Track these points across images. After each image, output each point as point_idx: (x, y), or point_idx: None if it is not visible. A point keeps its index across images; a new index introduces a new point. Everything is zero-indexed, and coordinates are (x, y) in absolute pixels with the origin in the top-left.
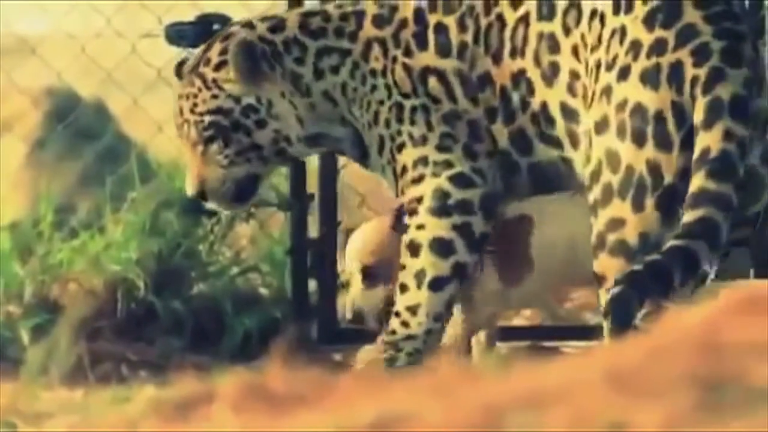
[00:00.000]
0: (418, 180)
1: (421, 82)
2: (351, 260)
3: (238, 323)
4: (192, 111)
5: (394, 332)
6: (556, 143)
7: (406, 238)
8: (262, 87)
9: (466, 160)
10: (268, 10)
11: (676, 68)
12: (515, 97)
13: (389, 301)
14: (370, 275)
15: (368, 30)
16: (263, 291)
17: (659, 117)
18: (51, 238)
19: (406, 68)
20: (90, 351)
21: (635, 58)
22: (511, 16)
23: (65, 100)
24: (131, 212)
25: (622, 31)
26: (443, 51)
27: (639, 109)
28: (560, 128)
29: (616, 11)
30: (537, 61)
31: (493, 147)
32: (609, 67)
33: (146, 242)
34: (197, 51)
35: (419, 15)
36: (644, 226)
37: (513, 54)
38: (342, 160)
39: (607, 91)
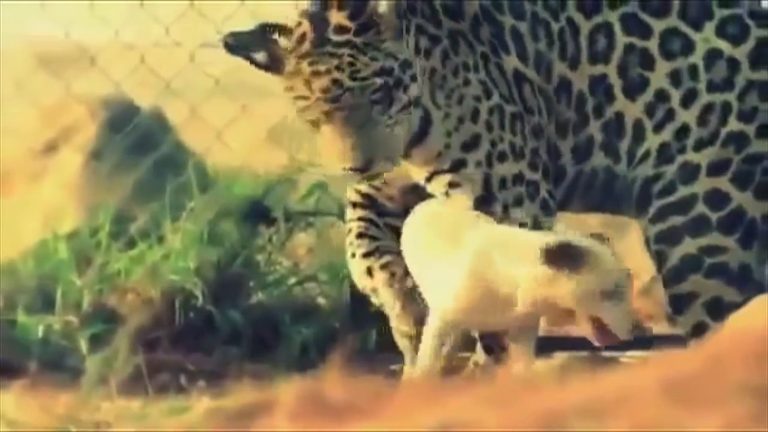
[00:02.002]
0: (518, 202)
1: (516, 86)
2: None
3: (295, 333)
4: (354, 78)
5: None
6: (615, 156)
7: None
8: (402, 42)
9: (545, 182)
10: None
11: None
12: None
13: None
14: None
15: (447, 21)
16: (321, 301)
17: None
18: (109, 248)
19: (500, 68)
20: (148, 361)
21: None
22: (584, 23)
23: (123, 109)
24: (189, 221)
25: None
26: (523, 58)
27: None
28: (625, 143)
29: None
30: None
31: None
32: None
33: (204, 251)
34: (301, 26)
35: (488, 14)
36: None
37: (593, 59)
38: None
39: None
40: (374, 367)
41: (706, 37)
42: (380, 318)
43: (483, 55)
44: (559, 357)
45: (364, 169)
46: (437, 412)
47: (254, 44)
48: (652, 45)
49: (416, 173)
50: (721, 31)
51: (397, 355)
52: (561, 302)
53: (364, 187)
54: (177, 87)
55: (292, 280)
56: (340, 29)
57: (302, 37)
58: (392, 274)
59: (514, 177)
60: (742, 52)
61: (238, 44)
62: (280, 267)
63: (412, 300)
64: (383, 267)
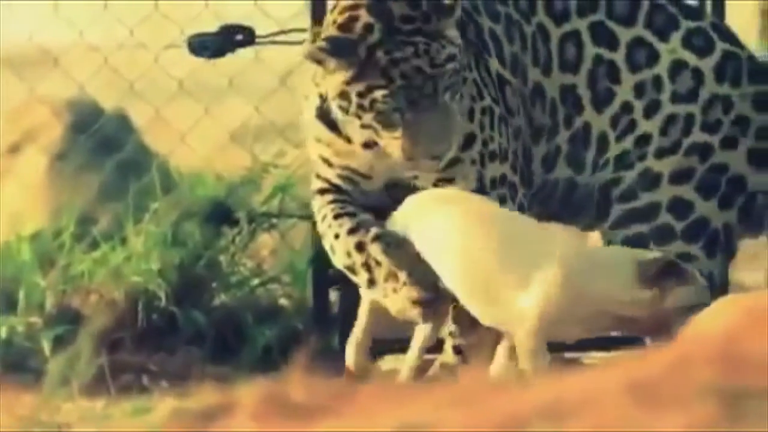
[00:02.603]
0: (502, 204)
1: (500, 90)
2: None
3: (258, 334)
4: (433, 65)
5: None
6: (578, 167)
7: None
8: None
9: (522, 186)
10: (289, 21)
11: None
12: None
13: None
14: None
15: (441, 20)
16: (284, 302)
17: None
18: (72, 249)
19: (487, 69)
20: (111, 362)
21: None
22: (553, 34)
23: (87, 111)
24: (152, 223)
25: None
26: (501, 60)
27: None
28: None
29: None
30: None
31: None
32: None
33: (167, 253)
34: (360, 18)
35: (470, 15)
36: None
37: (563, 68)
38: None
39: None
40: (337, 367)
41: (672, 48)
42: (343, 319)
43: (474, 55)
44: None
45: (441, 157)
46: (400, 413)
47: (218, 46)
48: (619, 57)
49: (406, 171)
50: (687, 43)
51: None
52: (656, 317)
53: (338, 181)
54: (141, 89)
55: (255, 282)
56: (407, 19)
57: (368, 28)
58: (388, 244)
59: (501, 178)
60: (707, 65)
61: (202, 46)
62: (243, 268)
63: (418, 264)
64: (376, 238)
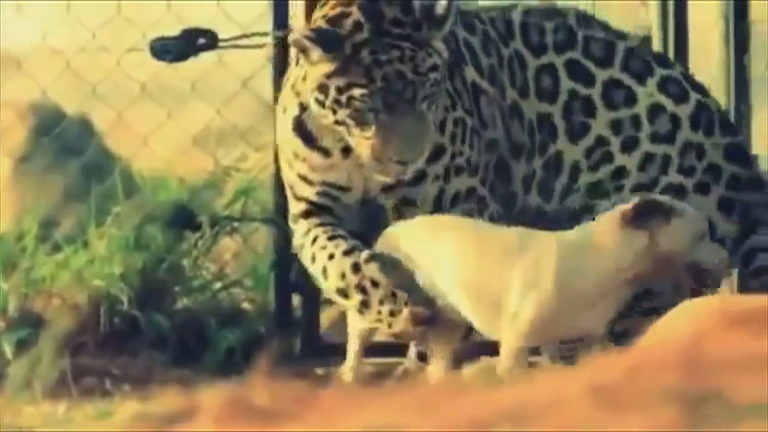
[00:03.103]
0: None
1: (475, 100)
2: None
3: (221, 338)
4: (416, 72)
5: None
6: (548, 195)
7: None
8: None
9: (492, 199)
10: (252, 25)
11: None
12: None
13: None
14: None
15: (431, 30)
16: (246, 306)
17: None
18: (35, 253)
19: (461, 79)
20: (73, 365)
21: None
22: (531, 63)
23: (50, 115)
24: (115, 227)
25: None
26: (478, 69)
27: None
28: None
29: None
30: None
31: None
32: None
33: (130, 257)
34: (351, 15)
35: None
36: None
37: (540, 96)
38: None
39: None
40: (299, 371)
41: (650, 92)
42: (305, 323)
43: (449, 65)
44: (486, 361)
45: (407, 164)
46: (363, 417)
47: (180, 50)
48: (595, 93)
49: (376, 182)
50: (662, 89)
51: (321, 360)
52: (661, 261)
53: (319, 198)
54: (103, 92)
55: (218, 286)
56: (397, 23)
57: (357, 26)
58: (385, 264)
59: (468, 191)
60: (683, 112)
61: (164, 50)
62: (206, 272)
63: (415, 284)
64: (371, 258)
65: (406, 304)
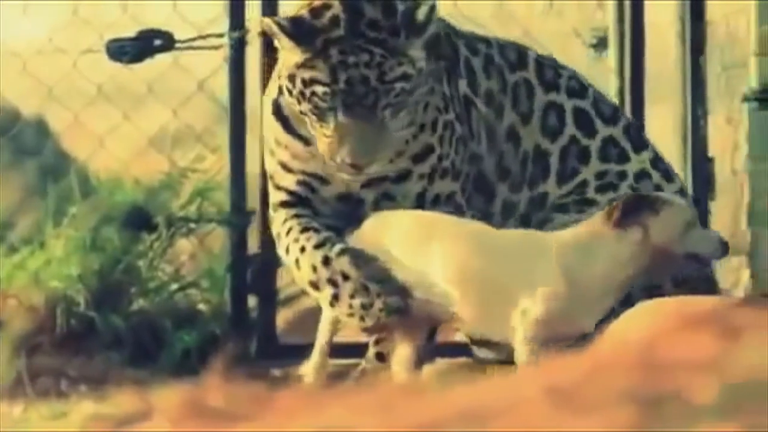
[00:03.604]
0: None
1: (465, 110)
2: None
3: (177, 339)
4: (381, 80)
5: None
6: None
7: None
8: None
9: (468, 211)
10: (208, 26)
11: None
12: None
13: None
14: None
15: (409, 38)
16: (202, 307)
17: None
18: None
19: (456, 87)
20: (29, 366)
21: None
22: (540, 95)
23: (6, 116)
24: (72, 228)
25: None
26: (473, 88)
27: None
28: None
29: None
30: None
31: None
32: None
33: (87, 258)
34: (332, 8)
35: (447, 35)
36: None
37: (543, 131)
38: None
39: None
40: (255, 372)
41: (643, 160)
42: (261, 324)
43: (446, 69)
44: (442, 363)
45: (361, 168)
46: (319, 418)
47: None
48: (594, 145)
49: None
50: (654, 164)
51: (278, 361)
52: (657, 255)
53: (298, 188)
54: (59, 93)
55: (174, 287)
56: (374, 25)
57: (334, 21)
58: (356, 257)
59: (448, 196)
60: (670, 190)
61: (121, 51)
62: (162, 273)
63: (389, 276)
64: (343, 252)
65: (378, 295)
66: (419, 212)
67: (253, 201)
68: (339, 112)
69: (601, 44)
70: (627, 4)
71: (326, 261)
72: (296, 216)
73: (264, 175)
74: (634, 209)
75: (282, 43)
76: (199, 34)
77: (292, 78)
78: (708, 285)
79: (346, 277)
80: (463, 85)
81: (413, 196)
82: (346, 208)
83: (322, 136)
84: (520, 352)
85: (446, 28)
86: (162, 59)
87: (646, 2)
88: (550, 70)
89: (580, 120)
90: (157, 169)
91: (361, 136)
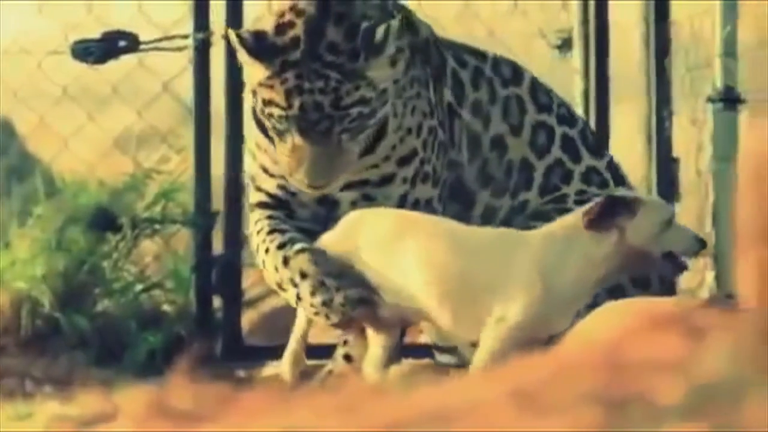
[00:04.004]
0: None
1: (448, 118)
2: None
3: (142, 340)
4: (335, 106)
5: None
6: None
7: None
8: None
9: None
10: (172, 28)
11: None
12: (515, 177)
13: None
14: None
15: (407, 34)
16: (167, 308)
17: None
18: None
19: (440, 94)
20: None
21: None
22: (531, 113)
23: None
24: (36, 229)
25: None
26: (459, 99)
27: None
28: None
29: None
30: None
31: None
32: None
33: (51, 259)
34: (295, 27)
35: (436, 45)
36: None
37: (532, 147)
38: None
39: None
40: (220, 373)
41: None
42: (227, 325)
43: (432, 76)
44: (407, 364)
45: (320, 188)
46: (283, 419)
47: (101, 52)
48: (578, 170)
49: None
50: None
51: (243, 362)
52: (632, 255)
53: (277, 191)
54: (24, 95)
55: (139, 287)
56: (333, 49)
57: (295, 42)
58: (314, 254)
59: (427, 201)
60: None
61: (86, 52)
62: (127, 274)
63: (348, 271)
64: (301, 251)
65: (338, 290)
66: (396, 210)
67: (217, 202)
68: (295, 135)
69: (565, 45)
70: (591, 4)
71: (286, 261)
72: (269, 217)
73: (229, 176)
74: (611, 211)
75: (243, 58)
76: (164, 36)
77: (254, 94)
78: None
79: (304, 276)
80: (447, 94)
81: (394, 199)
82: (325, 211)
83: (282, 154)
84: (480, 359)
85: (434, 36)
86: (127, 60)
87: (610, 3)
88: (544, 94)
89: (567, 146)
90: (121, 170)
91: (317, 160)
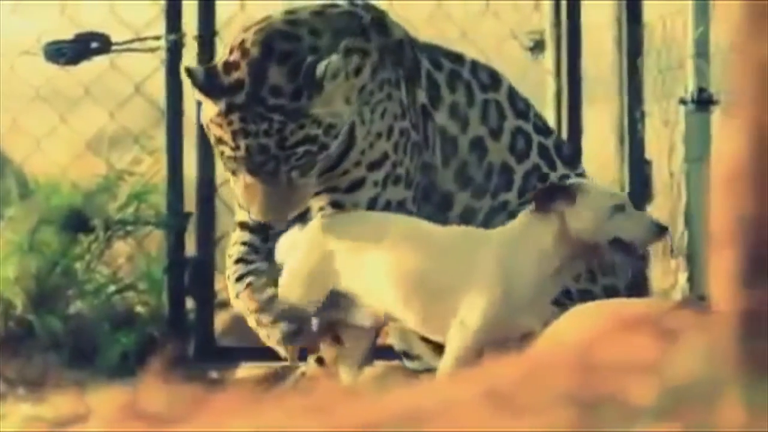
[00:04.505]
0: None
1: (422, 119)
2: None
3: (114, 341)
4: (281, 147)
5: None
6: None
7: None
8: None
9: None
10: (144, 29)
11: None
12: (495, 180)
13: None
14: None
15: (376, 36)
16: (140, 309)
17: None
18: None
19: (414, 96)
20: None
21: None
22: (510, 118)
23: None
24: (9, 230)
25: None
26: (434, 101)
27: None
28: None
29: None
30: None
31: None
32: None
33: (24, 260)
34: (239, 69)
35: (410, 45)
36: None
37: (511, 151)
38: (220, 178)
39: None
40: (193, 375)
41: None
42: (199, 327)
43: (404, 77)
44: (379, 366)
45: (274, 223)
46: (255, 420)
47: (74, 53)
48: (553, 176)
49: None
50: None
51: (215, 363)
52: (577, 243)
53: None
54: None
55: (111, 289)
56: (276, 91)
57: (239, 84)
58: (252, 288)
59: (399, 203)
60: None
61: (58, 53)
62: (100, 276)
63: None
64: (246, 287)
65: (273, 324)
66: (365, 212)
67: (190, 204)
68: (245, 174)
69: (537, 47)
70: (564, 6)
71: (237, 295)
72: (242, 243)
73: (202, 177)
74: (549, 196)
75: (195, 92)
76: (136, 37)
77: (208, 128)
78: (641, 282)
79: (248, 311)
80: (421, 96)
81: (363, 203)
82: (297, 218)
83: (237, 188)
84: (447, 364)
85: (409, 38)
86: (99, 61)
87: (582, 4)
88: (521, 102)
89: (544, 154)
90: (94, 172)
91: (269, 198)
